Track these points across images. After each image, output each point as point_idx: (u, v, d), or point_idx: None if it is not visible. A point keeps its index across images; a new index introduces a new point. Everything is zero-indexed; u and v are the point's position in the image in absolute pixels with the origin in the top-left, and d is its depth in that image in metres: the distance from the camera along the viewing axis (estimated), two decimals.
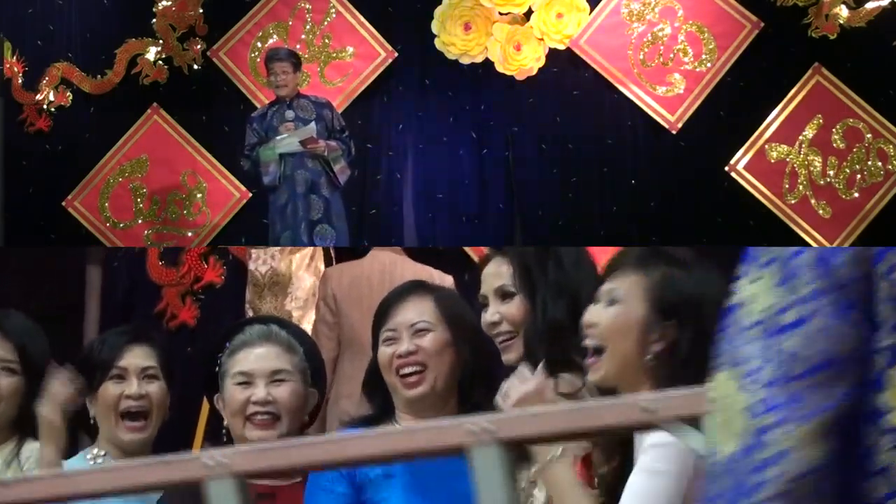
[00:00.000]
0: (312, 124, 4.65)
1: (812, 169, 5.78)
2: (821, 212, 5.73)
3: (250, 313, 4.08)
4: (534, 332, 1.94)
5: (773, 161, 5.79)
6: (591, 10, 5.84)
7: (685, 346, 1.65)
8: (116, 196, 5.80)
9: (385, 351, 2.11)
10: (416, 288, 2.19)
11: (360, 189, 5.84)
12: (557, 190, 5.84)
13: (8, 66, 5.70)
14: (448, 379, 2.09)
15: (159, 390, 2.36)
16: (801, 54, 5.80)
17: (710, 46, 5.85)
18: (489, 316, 2.02)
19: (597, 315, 1.73)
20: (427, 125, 5.47)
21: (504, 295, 2.02)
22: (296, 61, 4.85)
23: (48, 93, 5.74)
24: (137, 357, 2.35)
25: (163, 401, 2.37)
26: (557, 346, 1.87)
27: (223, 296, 4.35)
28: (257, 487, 2.18)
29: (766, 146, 5.80)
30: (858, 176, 5.76)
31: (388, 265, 3.89)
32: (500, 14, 5.81)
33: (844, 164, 5.77)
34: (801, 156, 5.79)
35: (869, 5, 5.72)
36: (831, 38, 5.74)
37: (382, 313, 2.16)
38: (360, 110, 5.89)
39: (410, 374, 2.07)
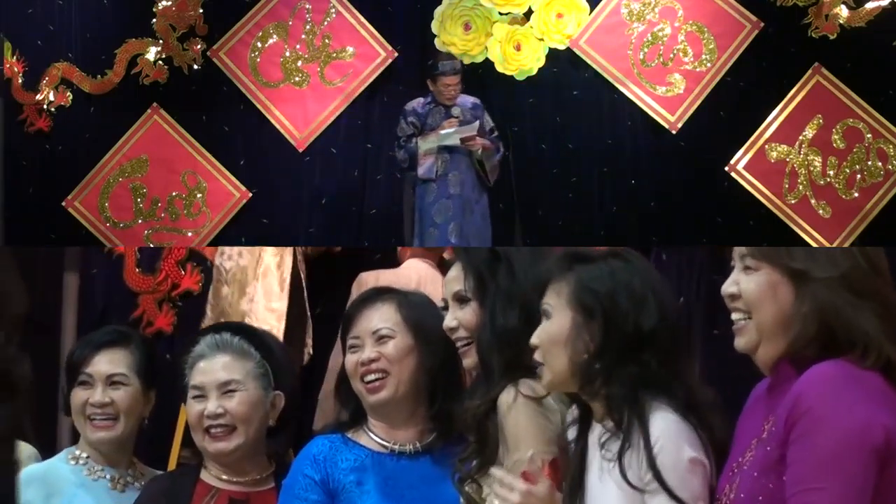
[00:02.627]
0: (477, 123, 4.94)
1: (812, 169, 5.78)
2: (821, 212, 5.73)
3: (207, 310, 4.03)
4: (486, 340, 1.93)
5: (773, 161, 5.79)
6: (591, 10, 5.83)
7: (612, 340, 1.70)
8: (116, 196, 5.80)
9: (350, 358, 2.11)
10: (381, 294, 2.18)
11: (360, 189, 5.86)
12: (557, 190, 5.84)
13: (8, 66, 5.70)
14: (411, 385, 2.09)
15: (126, 396, 2.35)
16: (801, 54, 5.80)
17: (710, 46, 5.84)
18: (447, 321, 2.03)
19: (537, 333, 1.78)
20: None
21: (461, 300, 2.01)
22: (461, 71, 5.10)
23: (48, 93, 5.74)
24: (105, 363, 2.35)
25: (132, 406, 2.36)
26: (511, 352, 1.87)
27: (201, 303, 4.32)
28: (230, 493, 2.18)
29: (766, 146, 5.80)
30: (858, 176, 5.76)
31: (424, 277, 3.86)
32: (500, 14, 5.81)
33: (844, 164, 5.77)
34: (801, 156, 5.79)
35: (869, 5, 5.72)
36: (831, 38, 5.74)
37: (347, 320, 2.16)
38: (360, 110, 5.90)
39: (373, 381, 2.07)
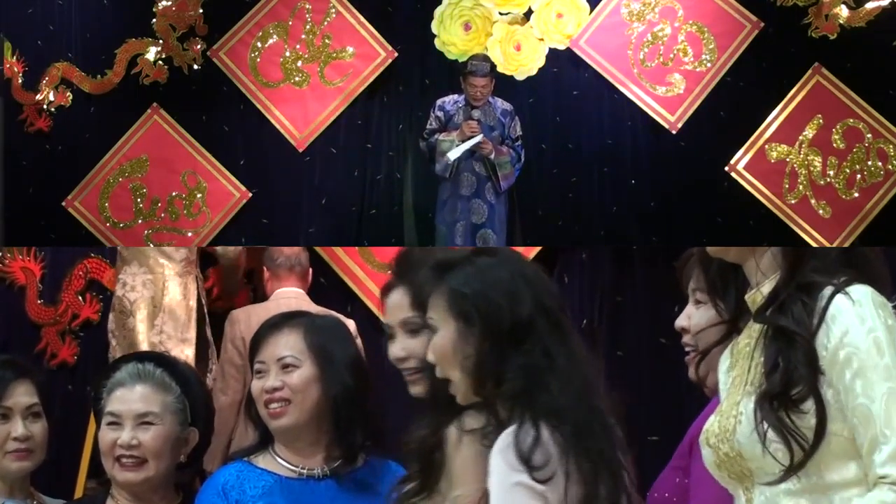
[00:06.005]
0: (480, 136, 4.96)
1: (812, 169, 5.78)
2: (821, 212, 5.73)
3: (112, 342, 3.97)
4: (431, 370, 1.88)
5: (773, 161, 5.79)
6: (591, 10, 5.84)
7: (495, 337, 1.66)
8: (116, 196, 5.80)
9: (256, 384, 2.11)
10: (288, 319, 2.16)
11: (360, 189, 5.86)
12: (557, 190, 5.84)
13: (8, 66, 5.70)
14: (313, 413, 2.08)
15: (43, 428, 2.33)
16: (801, 54, 5.81)
17: (710, 46, 5.85)
18: (395, 351, 2.00)
19: (430, 349, 1.74)
20: (425, 126, 5.46)
21: (412, 330, 1.98)
22: (493, 73, 5.11)
23: (48, 93, 5.74)
24: (22, 395, 2.31)
25: (46, 437, 2.34)
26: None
27: (100, 331, 4.30)
28: None
29: (766, 146, 5.80)
30: (858, 176, 5.76)
31: (294, 307, 3.87)
32: (500, 14, 5.81)
33: (844, 164, 5.77)
34: (801, 156, 5.79)
35: (869, 5, 5.73)
36: (831, 38, 5.74)
37: (254, 344, 2.15)
38: (360, 110, 5.90)
39: (276, 408, 2.07)
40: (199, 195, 5.81)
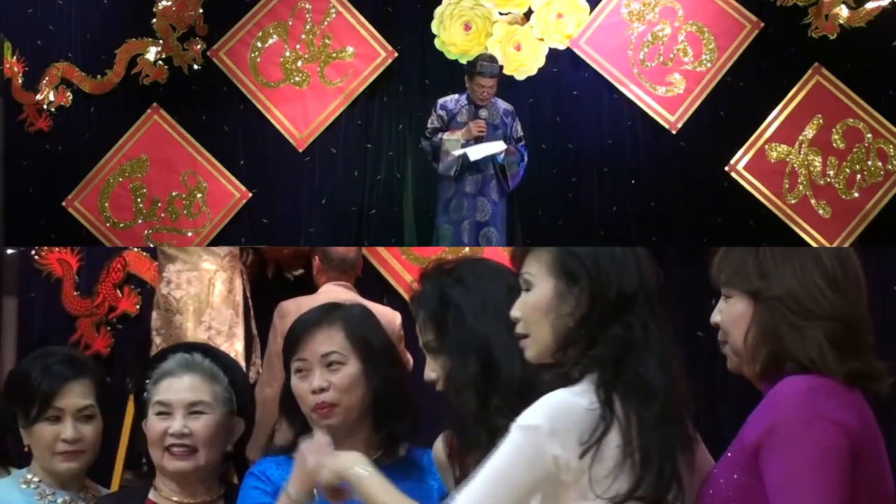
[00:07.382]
0: (502, 143, 4.96)
1: (812, 169, 5.78)
2: (821, 212, 5.73)
3: (156, 341, 3.94)
4: (450, 393, 1.86)
5: (773, 161, 5.79)
6: (591, 10, 5.84)
7: (597, 304, 1.65)
8: (116, 196, 5.80)
9: (300, 384, 2.08)
10: (327, 314, 2.14)
11: (360, 189, 5.86)
12: (557, 190, 5.84)
13: (8, 66, 5.70)
14: (359, 409, 2.07)
15: (94, 429, 2.31)
16: (801, 54, 5.81)
17: (710, 46, 5.85)
18: (427, 374, 1.92)
19: (517, 305, 1.73)
20: (427, 125, 5.48)
21: (432, 351, 1.92)
22: (499, 73, 5.09)
23: (48, 93, 5.74)
24: (75, 396, 2.30)
25: (98, 438, 2.33)
26: (477, 399, 1.82)
27: (138, 325, 4.31)
28: None
29: (766, 146, 5.80)
30: (858, 176, 5.77)
31: (343, 299, 3.85)
32: (500, 14, 5.81)
33: (844, 164, 5.77)
34: (801, 156, 5.79)
35: (869, 5, 5.72)
36: (831, 38, 5.74)
37: (294, 341, 2.12)
38: (360, 110, 5.90)
39: (323, 409, 2.05)
40: (199, 195, 5.81)
